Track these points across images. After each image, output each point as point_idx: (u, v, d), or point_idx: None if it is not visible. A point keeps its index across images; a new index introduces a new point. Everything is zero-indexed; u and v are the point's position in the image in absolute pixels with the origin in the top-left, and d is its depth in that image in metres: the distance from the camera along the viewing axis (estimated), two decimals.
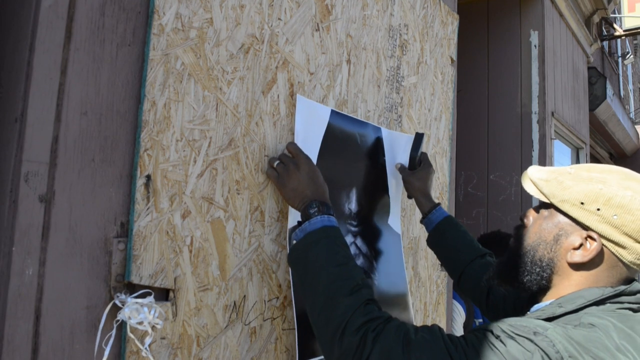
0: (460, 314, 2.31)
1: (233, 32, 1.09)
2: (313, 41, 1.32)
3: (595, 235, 0.92)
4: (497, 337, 0.84)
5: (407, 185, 1.58)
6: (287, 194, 1.15)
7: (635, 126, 8.48)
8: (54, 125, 0.82)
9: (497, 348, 0.82)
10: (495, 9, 3.66)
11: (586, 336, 0.82)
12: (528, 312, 1.00)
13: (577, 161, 4.51)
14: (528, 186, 1.03)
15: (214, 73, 1.05)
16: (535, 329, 0.82)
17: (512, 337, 0.82)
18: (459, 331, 2.26)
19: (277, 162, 1.16)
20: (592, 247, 0.92)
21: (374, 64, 1.57)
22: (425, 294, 1.81)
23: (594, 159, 7.20)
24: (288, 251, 1.21)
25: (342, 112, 1.42)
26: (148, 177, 0.93)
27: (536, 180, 1.01)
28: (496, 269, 1.08)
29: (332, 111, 1.37)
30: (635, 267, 0.92)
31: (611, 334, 0.83)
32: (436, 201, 1.57)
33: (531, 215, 1.04)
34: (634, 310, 0.90)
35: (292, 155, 1.18)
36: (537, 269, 0.98)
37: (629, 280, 0.94)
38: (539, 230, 1.00)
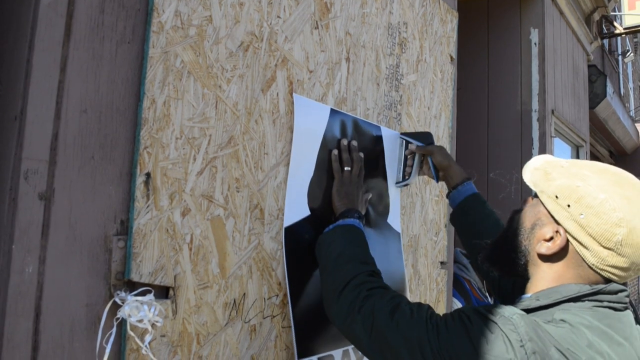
0: None
1: (232, 30, 1.09)
2: (312, 39, 1.32)
3: (562, 231, 0.92)
4: (468, 317, 0.88)
5: (437, 155, 1.51)
6: (339, 194, 1.32)
7: (635, 124, 8.47)
8: (53, 122, 0.82)
9: (464, 328, 0.87)
10: (495, 6, 3.66)
11: (555, 331, 0.83)
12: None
13: (577, 159, 4.51)
14: (525, 174, 1.04)
15: (213, 71, 1.05)
16: (503, 314, 0.85)
17: (481, 319, 0.86)
18: None
19: (348, 169, 1.36)
20: (557, 242, 0.93)
21: (373, 62, 1.57)
22: (425, 291, 1.81)
23: (594, 157, 7.20)
24: (283, 248, 1.22)
25: (342, 111, 1.42)
26: (148, 175, 0.93)
27: (531, 168, 1.02)
28: (486, 251, 1.11)
29: (331, 110, 1.37)
30: (598, 270, 0.90)
31: (583, 330, 0.83)
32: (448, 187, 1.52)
33: (529, 201, 1.05)
34: (615, 309, 0.90)
35: (355, 163, 1.38)
36: (513, 255, 1.00)
37: (604, 283, 0.93)
38: (523, 217, 1.02)
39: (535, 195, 1.02)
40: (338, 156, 1.37)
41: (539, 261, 0.96)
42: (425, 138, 1.57)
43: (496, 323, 0.84)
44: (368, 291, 1.03)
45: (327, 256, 1.16)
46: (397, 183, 1.63)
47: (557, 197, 0.93)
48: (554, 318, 0.87)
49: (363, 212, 1.37)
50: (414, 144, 1.58)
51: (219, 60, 1.06)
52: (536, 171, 1.00)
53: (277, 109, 1.21)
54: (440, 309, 1.92)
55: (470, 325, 0.87)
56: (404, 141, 1.62)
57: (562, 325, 0.85)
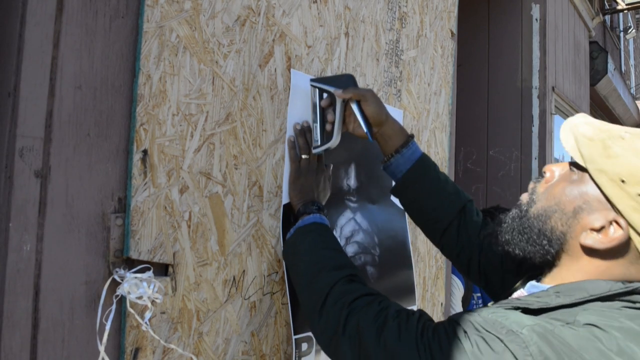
0: (458, 288, 2.33)
1: (228, 4, 1.07)
2: (310, 13, 1.30)
3: (623, 223, 0.74)
4: (465, 333, 0.74)
5: (371, 103, 1.14)
6: (295, 187, 1.19)
7: (636, 101, 8.43)
8: (47, 99, 0.81)
9: (462, 345, 0.73)
10: None
11: (576, 337, 0.69)
12: (522, 289, 0.90)
13: None
14: (567, 139, 0.83)
15: (209, 46, 1.03)
16: (510, 327, 0.71)
17: (481, 335, 0.72)
18: (457, 305, 2.28)
19: (305, 157, 1.20)
20: (614, 235, 0.75)
21: (373, 37, 1.54)
22: (425, 268, 1.81)
23: None
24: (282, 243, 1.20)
25: None
26: (145, 152, 0.92)
27: (578, 135, 0.81)
28: (500, 226, 0.91)
29: None
30: None
31: (613, 334, 0.69)
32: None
33: (558, 170, 0.87)
34: None
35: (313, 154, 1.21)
36: (544, 241, 0.83)
37: None
38: (560, 194, 0.82)
39: (576, 166, 0.82)
40: (294, 142, 1.20)
41: (580, 252, 0.79)
42: (345, 83, 1.18)
43: (501, 339, 0.70)
44: (349, 306, 0.89)
45: (296, 269, 1.05)
46: (314, 148, 1.21)
47: (623, 181, 0.73)
48: (577, 320, 0.72)
49: (324, 200, 1.21)
50: (332, 90, 1.17)
51: (215, 35, 1.04)
52: (591, 143, 0.78)
53: (275, 85, 1.19)
54: (440, 286, 1.93)
55: (468, 342, 0.73)
56: (318, 89, 1.22)
57: (586, 329, 0.70)
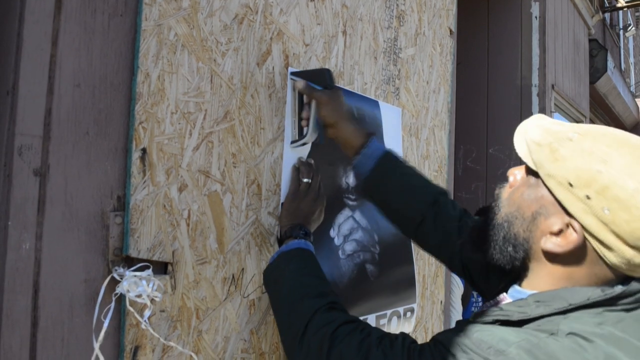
0: (458, 287, 2.33)
1: (226, 2, 1.07)
2: (308, 11, 1.30)
3: (577, 226, 0.74)
4: (454, 355, 0.73)
5: (325, 107, 1.15)
6: (288, 209, 1.18)
7: (636, 99, 8.43)
8: (46, 97, 0.81)
9: None
10: None
11: (562, 348, 0.68)
12: (505, 293, 0.88)
13: None
14: (520, 145, 0.82)
15: (207, 44, 1.03)
16: (497, 346, 0.70)
17: (469, 357, 0.72)
18: (457, 303, 2.28)
19: (307, 180, 1.19)
20: (570, 239, 0.75)
21: (371, 35, 1.54)
22: (424, 266, 1.82)
23: None
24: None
25: (338, 85, 1.40)
26: (144, 150, 0.92)
27: (529, 140, 0.80)
28: (472, 233, 0.93)
29: None
30: (619, 270, 0.75)
31: (597, 342, 0.68)
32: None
33: (520, 173, 0.86)
34: (627, 310, 0.74)
35: (315, 176, 1.21)
36: (509, 248, 0.82)
37: (620, 280, 0.76)
38: (520, 199, 0.82)
39: (532, 172, 0.81)
40: (298, 167, 1.21)
41: (543, 258, 0.79)
42: (321, 79, 1.17)
43: (488, 359, 0.70)
44: (331, 336, 0.86)
45: (277, 295, 1.03)
46: (291, 143, 1.22)
47: (571, 184, 0.73)
48: (560, 329, 0.71)
49: (313, 229, 1.19)
50: (302, 84, 1.18)
51: (213, 33, 1.04)
52: (539, 148, 0.78)
53: (273, 83, 1.19)
54: (439, 284, 1.93)
55: None
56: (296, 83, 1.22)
57: (570, 339, 0.69)
